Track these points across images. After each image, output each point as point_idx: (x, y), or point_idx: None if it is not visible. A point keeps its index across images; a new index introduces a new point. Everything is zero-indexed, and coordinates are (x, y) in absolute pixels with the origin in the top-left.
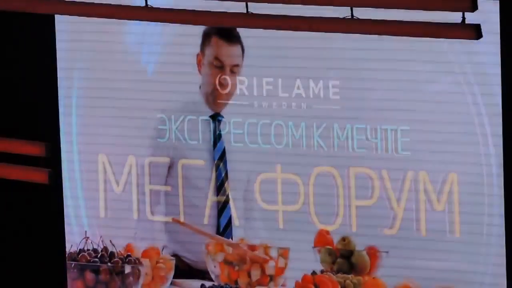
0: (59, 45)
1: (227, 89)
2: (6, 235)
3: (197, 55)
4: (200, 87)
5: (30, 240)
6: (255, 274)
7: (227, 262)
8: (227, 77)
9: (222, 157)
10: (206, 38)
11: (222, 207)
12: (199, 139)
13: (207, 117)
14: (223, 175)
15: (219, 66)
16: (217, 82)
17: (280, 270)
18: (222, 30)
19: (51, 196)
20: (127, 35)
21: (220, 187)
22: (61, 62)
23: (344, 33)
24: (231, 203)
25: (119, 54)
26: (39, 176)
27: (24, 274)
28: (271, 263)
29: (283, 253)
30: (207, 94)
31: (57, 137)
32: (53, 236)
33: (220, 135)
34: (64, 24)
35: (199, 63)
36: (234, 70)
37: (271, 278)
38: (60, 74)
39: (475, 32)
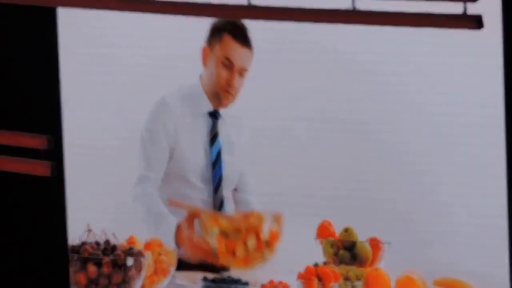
0: (61, 37)
1: (233, 91)
2: (8, 228)
3: (204, 48)
4: (200, 76)
5: (32, 233)
6: (251, 242)
7: (223, 234)
8: (235, 80)
9: (218, 157)
10: (216, 33)
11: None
12: (197, 135)
13: (205, 113)
14: (219, 175)
15: (228, 66)
16: (224, 83)
17: (275, 235)
18: (235, 29)
19: (53, 189)
20: (129, 27)
21: (216, 188)
22: (63, 53)
23: (345, 24)
24: (225, 203)
25: (120, 45)
26: (41, 168)
27: (27, 267)
28: (265, 228)
29: (277, 218)
30: (211, 91)
31: (60, 129)
32: (55, 229)
33: (216, 134)
34: (66, 16)
35: (205, 57)
36: (242, 73)
37: (267, 244)
38: (62, 65)
39: (476, 22)
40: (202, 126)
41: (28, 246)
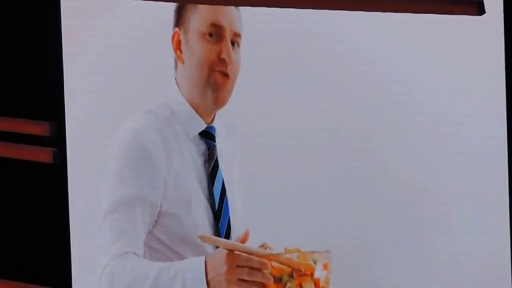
0: (64, 24)
1: (231, 66)
2: (10, 215)
3: (174, 32)
4: (175, 79)
5: (34, 220)
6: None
7: (276, 280)
8: (230, 49)
9: (223, 194)
10: (186, 9)
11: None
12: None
13: (195, 135)
14: (225, 224)
15: (215, 34)
16: (216, 59)
17: (328, 280)
18: None
19: (55, 175)
20: (133, 15)
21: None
22: (66, 40)
23: (344, 10)
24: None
25: (124, 33)
26: (44, 155)
27: (28, 254)
28: (323, 274)
29: (324, 265)
30: (197, 86)
31: (62, 116)
32: (58, 216)
33: (217, 165)
34: (69, 3)
35: (177, 44)
36: (236, 41)
37: None
38: (65, 52)
39: (477, 8)
40: (195, 157)
41: (29, 233)
